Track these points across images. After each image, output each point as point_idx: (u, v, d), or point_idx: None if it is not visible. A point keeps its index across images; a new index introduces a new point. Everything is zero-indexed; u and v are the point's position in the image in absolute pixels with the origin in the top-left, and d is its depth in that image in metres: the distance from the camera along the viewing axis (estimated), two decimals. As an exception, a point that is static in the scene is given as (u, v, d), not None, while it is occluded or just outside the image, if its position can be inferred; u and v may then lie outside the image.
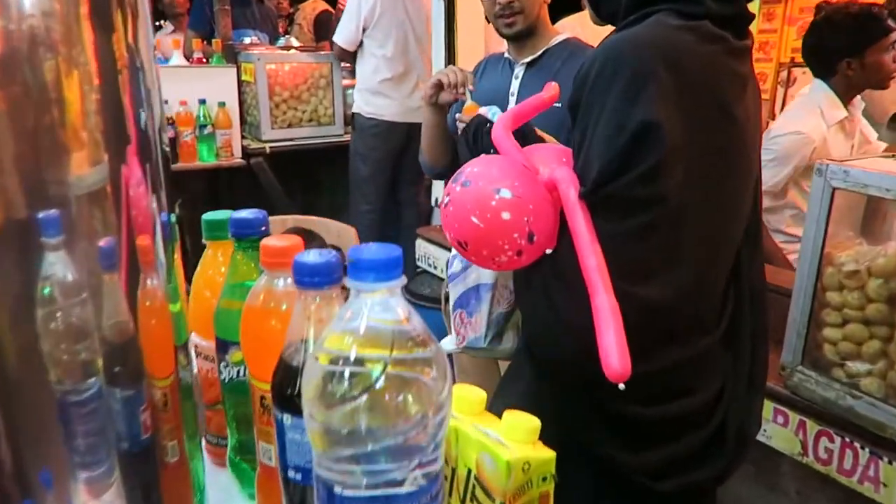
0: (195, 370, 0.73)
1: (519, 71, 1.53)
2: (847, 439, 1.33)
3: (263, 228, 0.67)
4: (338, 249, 2.05)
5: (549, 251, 0.83)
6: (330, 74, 3.48)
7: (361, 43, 3.15)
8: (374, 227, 3.25)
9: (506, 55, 1.60)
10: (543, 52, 1.50)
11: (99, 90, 0.44)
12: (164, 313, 0.59)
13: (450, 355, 1.31)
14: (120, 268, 0.54)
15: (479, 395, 0.54)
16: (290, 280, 0.59)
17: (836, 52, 1.94)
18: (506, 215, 0.79)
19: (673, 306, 0.79)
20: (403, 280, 0.43)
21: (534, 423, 0.51)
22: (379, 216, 3.30)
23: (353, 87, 3.57)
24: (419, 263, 2.99)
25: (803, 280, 1.38)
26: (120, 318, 0.54)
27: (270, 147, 3.32)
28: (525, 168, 0.83)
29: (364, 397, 0.41)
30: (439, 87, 1.47)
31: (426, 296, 2.75)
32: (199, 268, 0.76)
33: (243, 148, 3.32)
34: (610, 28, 0.93)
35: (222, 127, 3.24)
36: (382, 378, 0.41)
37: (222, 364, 0.67)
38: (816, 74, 2.03)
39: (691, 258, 0.79)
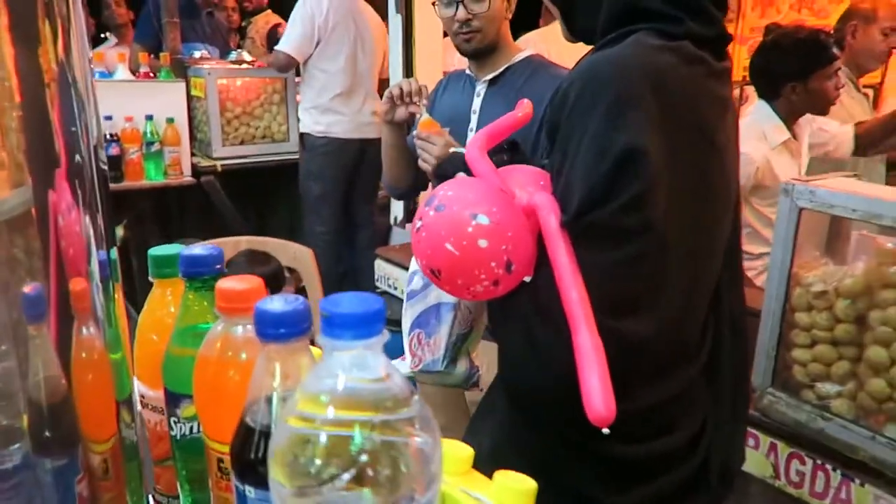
0: (140, 425, 0.65)
1: (481, 88, 1.51)
2: (819, 462, 1.33)
3: (218, 267, 0.60)
4: (291, 271, 1.95)
5: (527, 279, 0.80)
6: (284, 90, 3.43)
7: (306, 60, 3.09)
8: (330, 248, 3.19)
9: (467, 72, 1.58)
10: (506, 69, 1.49)
11: (21, 107, 0.41)
12: (103, 365, 0.53)
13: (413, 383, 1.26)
14: (48, 316, 0.48)
15: (466, 452, 0.49)
16: (250, 326, 0.53)
17: (782, 75, 1.99)
18: (483, 243, 0.75)
19: (658, 340, 0.76)
20: (385, 336, 0.37)
21: (528, 485, 0.46)
22: (334, 237, 3.24)
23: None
24: (378, 284, 2.94)
25: (772, 301, 1.38)
26: (49, 374, 0.48)
27: (222, 165, 3.25)
28: (502, 192, 0.80)
29: (347, 466, 0.35)
30: (392, 101, 1.45)
31: (387, 318, 2.69)
32: (145, 307, 0.69)
33: (193, 166, 3.24)
34: (579, 46, 0.90)
35: (171, 144, 3.14)
36: (368, 443, 0.35)
37: (173, 419, 0.60)
38: (761, 95, 2.08)
39: (675, 288, 0.76)
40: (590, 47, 0.86)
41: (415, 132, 1.43)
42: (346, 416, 0.36)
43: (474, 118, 1.51)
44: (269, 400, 0.45)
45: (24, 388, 0.48)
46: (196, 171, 3.22)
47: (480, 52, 1.49)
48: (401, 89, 1.45)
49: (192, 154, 3.30)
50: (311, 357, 0.46)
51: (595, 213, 0.72)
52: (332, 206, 3.18)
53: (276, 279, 1.90)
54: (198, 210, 3.43)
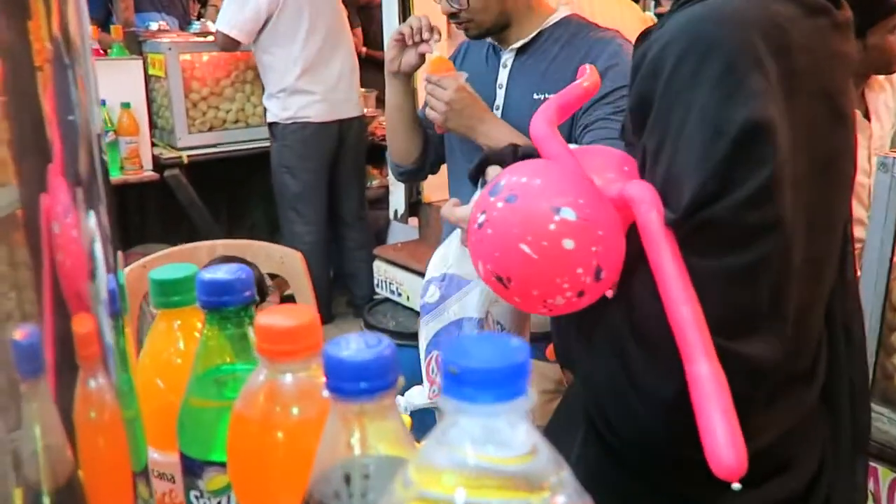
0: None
1: (507, 58, 1.46)
2: (930, 490, 1.29)
3: (248, 294, 0.55)
4: (272, 277, 1.90)
5: (610, 293, 0.76)
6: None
7: (256, 39, 3.00)
8: (315, 251, 3.13)
9: (489, 39, 1.53)
10: (537, 35, 1.43)
11: (4, 91, 0.40)
12: (116, 427, 0.48)
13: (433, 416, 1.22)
14: (46, 367, 0.44)
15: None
16: (303, 374, 0.48)
17: None
18: (568, 244, 0.70)
19: (780, 361, 0.72)
20: (532, 398, 0.32)
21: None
22: (320, 237, 3.20)
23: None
24: (379, 290, 2.91)
25: (869, 297, 1.33)
26: (50, 443, 0.44)
27: (188, 156, 3.20)
28: (586, 177, 0.76)
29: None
30: (402, 43, 1.43)
31: (390, 330, 2.66)
32: (147, 346, 0.64)
33: (154, 158, 3.19)
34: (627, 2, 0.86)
35: (127, 133, 3.09)
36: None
37: (193, 493, 0.55)
38: None
39: (795, 299, 0.73)
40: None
41: (425, 76, 1.38)
42: (482, 500, 0.31)
43: (500, 93, 1.46)
44: (347, 476, 0.40)
45: (18, 466, 0.43)
46: (158, 165, 3.17)
47: (488, 33, 1.45)
48: (410, 27, 1.41)
49: (153, 144, 3.25)
50: (400, 418, 0.41)
51: (711, 207, 0.68)
52: (314, 202, 3.13)
53: (259, 288, 1.85)
54: (161, 210, 3.38)
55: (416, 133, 1.55)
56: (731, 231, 0.69)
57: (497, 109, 1.46)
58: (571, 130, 1.34)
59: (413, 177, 1.67)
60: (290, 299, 2.32)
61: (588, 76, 0.92)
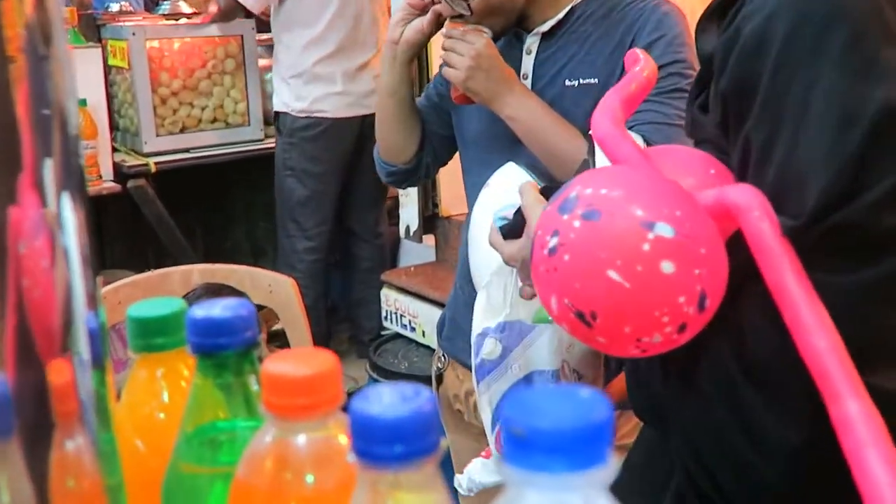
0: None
1: (532, 43, 1.47)
2: None
3: (250, 334, 0.56)
4: (260, 308, 1.91)
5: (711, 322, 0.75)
6: (240, 53, 3.42)
7: (276, 13, 3.07)
8: (317, 272, 3.17)
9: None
10: (567, 13, 1.44)
11: None
12: (97, 497, 0.49)
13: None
14: (14, 427, 0.43)
15: None
16: (318, 434, 0.48)
17: None
18: (667, 267, 0.69)
19: None
20: (614, 465, 0.32)
21: None
22: (322, 256, 3.22)
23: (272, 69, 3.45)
24: (387, 324, 2.92)
25: None
26: None
27: (156, 163, 3.24)
28: (676, 185, 0.75)
29: None
30: (417, 5, 1.44)
31: (401, 373, 2.66)
32: (124, 397, 0.66)
33: (116, 166, 3.23)
34: None
35: (83, 137, 3.13)
36: None
37: (187, 574, 0.55)
38: None
39: None
40: None
41: (448, 30, 1.38)
42: None
43: (525, 84, 1.47)
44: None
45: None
46: (120, 174, 3.21)
47: (504, 32, 1.46)
48: None
49: (114, 149, 3.29)
50: (444, 490, 0.41)
51: (844, 210, 0.68)
52: (321, 213, 3.16)
53: None
54: (124, 229, 3.42)
55: (412, 124, 1.57)
56: (869, 237, 0.69)
57: None
58: None
59: (405, 179, 1.68)
60: (278, 336, 2.33)
61: (644, 63, 0.92)
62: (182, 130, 3.36)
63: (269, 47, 3.39)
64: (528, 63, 1.46)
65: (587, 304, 0.72)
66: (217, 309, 0.56)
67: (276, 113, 3.16)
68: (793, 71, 0.71)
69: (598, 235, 0.71)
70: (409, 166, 1.60)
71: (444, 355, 1.62)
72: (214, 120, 3.42)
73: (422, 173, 1.65)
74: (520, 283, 1.01)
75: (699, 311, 0.71)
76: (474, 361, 1.09)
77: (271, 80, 3.33)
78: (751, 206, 0.69)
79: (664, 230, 0.70)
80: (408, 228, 3.03)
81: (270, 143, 3.34)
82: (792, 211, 0.70)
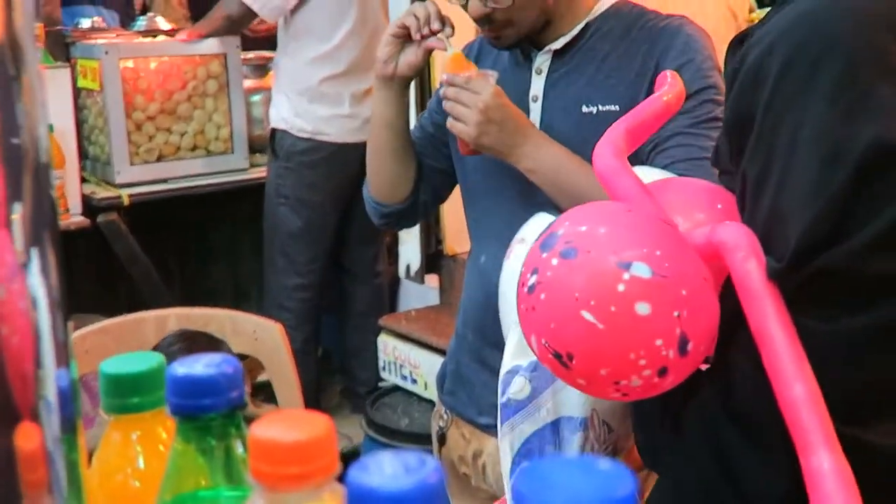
0: None
1: (542, 62, 1.49)
2: None
3: (236, 394, 0.56)
4: (243, 358, 1.92)
5: (703, 366, 0.80)
6: (224, 73, 3.43)
7: (288, 22, 3.11)
8: (307, 314, 3.18)
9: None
10: (582, 30, 1.47)
11: None
12: None
13: None
14: None
15: None
16: None
17: None
18: (643, 308, 0.74)
19: None
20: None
21: None
22: (314, 294, 3.22)
23: (260, 91, 3.46)
24: (385, 375, 2.92)
25: None
26: None
27: (129, 195, 3.24)
28: (665, 223, 0.80)
29: None
30: (402, 38, 1.46)
31: (401, 431, 2.66)
32: (95, 462, 0.66)
33: (85, 199, 3.23)
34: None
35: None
36: None
37: None
38: None
39: None
40: None
41: (448, 76, 1.40)
42: None
43: (536, 109, 1.48)
44: None
45: None
46: (90, 207, 3.22)
47: (522, 40, 1.48)
48: (415, 17, 1.44)
49: (83, 180, 3.30)
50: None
51: (829, 254, 0.72)
52: (316, 247, 3.17)
53: None
54: (93, 267, 3.42)
55: (408, 159, 1.58)
56: (854, 284, 0.71)
57: None
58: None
59: (400, 219, 1.69)
60: (264, 388, 2.33)
61: (670, 87, 0.95)
62: (159, 159, 3.37)
63: (256, 67, 3.44)
64: (538, 84, 1.48)
65: (563, 345, 0.77)
66: (199, 366, 0.58)
67: (273, 130, 3.17)
68: (785, 105, 0.74)
69: (573, 274, 0.76)
70: (404, 205, 1.61)
71: (446, 412, 1.62)
72: (194, 147, 3.43)
73: (419, 213, 1.67)
74: None
75: (681, 355, 0.75)
76: (500, 400, 1.10)
77: (258, 103, 3.37)
78: (738, 245, 0.73)
79: (641, 270, 0.74)
80: (408, 268, 3.05)
81: (256, 174, 3.36)
82: (778, 252, 0.73)
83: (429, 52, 1.47)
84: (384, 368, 2.91)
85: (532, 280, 0.79)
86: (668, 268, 0.75)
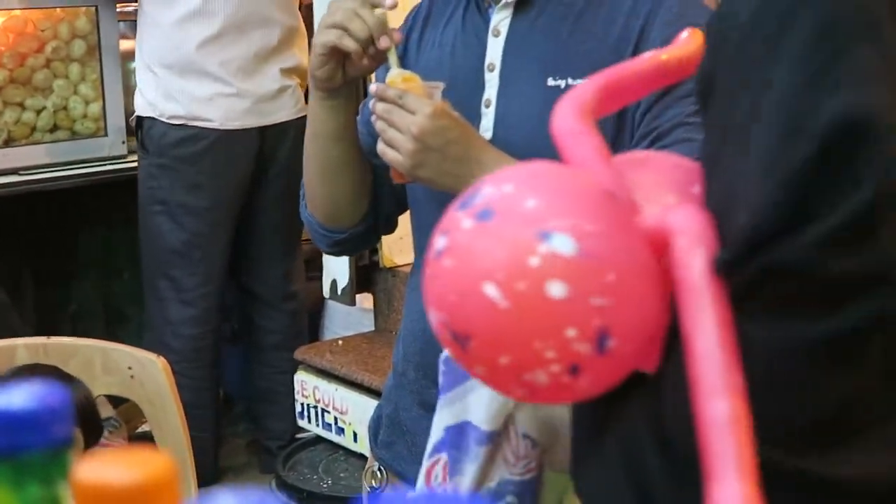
0: None
1: (500, 20, 1.51)
2: None
3: (62, 430, 0.59)
4: (120, 402, 1.94)
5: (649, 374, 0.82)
6: (94, 31, 3.46)
7: None
8: (201, 352, 3.18)
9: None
10: None
11: None
12: None
13: None
14: None
15: None
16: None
17: None
18: (556, 289, 0.76)
19: (874, 483, 0.79)
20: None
21: None
22: (212, 328, 3.23)
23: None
24: (303, 423, 2.93)
25: None
26: None
27: (-29, 190, 3.25)
28: (612, 197, 0.82)
29: None
30: (337, 53, 1.46)
31: (323, 495, 2.68)
32: None
33: None
34: None
35: None
36: None
37: None
38: None
39: None
40: None
41: (376, 87, 1.42)
42: None
43: (492, 80, 1.50)
44: None
45: None
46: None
47: None
48: (353, 37, 1.43)
49: None
50: None
51: (781, 246, 0.74)
52: (206, 267, 3.18)
53: (87, 422, 1.81)
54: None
55: (363, 170, 1.59)
56: (811, 284, 0.73)
57: (487, 107, 1.51)
58: (617, 135, 1.39)
59: (358, 245, 1.73)
60: (145, 438, 2.33)
61: (682, 44, 0.97)
62: (7, 143, 3.38)
63: (136, 23, 3.44)
64: (495, 49, 1.50)
65: (461, 324, 0.79)
66: (17, 396, 0.59)
67: (139, 119, 3.15)
68: (746, 70, 0.78)
69: (483, 239, 0.78)
70: (361, 228, 1.62)
71: (380, 469, 1.63)
72: (55, 128, 3.45)
73: (380, 230, 1.69)
74: None
75: (598, 352, 0.77)
76: (440, 378, 1.17)
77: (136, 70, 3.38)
78: (684, 230, 0.76)
79: (562, 244, 0.76)
80: (334, 285, 3.05)
81: (135, 162, 3.32)
82: (727, 241, 0.76)
83: (382, 51, 1.45)
84: (302, 415, 2.92)
85: (441, 243, 0.81)
86: (595, 246, 0.77)
